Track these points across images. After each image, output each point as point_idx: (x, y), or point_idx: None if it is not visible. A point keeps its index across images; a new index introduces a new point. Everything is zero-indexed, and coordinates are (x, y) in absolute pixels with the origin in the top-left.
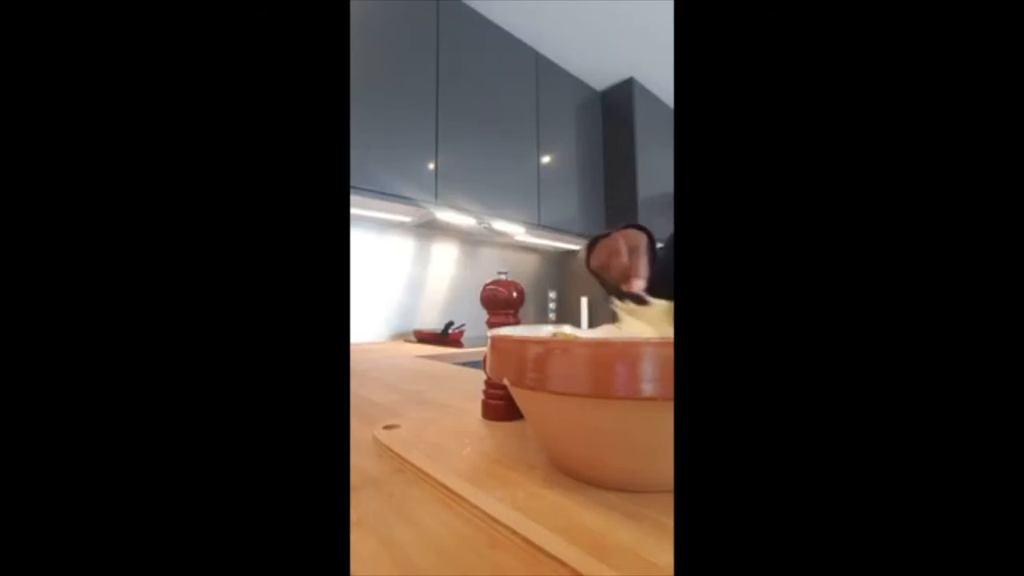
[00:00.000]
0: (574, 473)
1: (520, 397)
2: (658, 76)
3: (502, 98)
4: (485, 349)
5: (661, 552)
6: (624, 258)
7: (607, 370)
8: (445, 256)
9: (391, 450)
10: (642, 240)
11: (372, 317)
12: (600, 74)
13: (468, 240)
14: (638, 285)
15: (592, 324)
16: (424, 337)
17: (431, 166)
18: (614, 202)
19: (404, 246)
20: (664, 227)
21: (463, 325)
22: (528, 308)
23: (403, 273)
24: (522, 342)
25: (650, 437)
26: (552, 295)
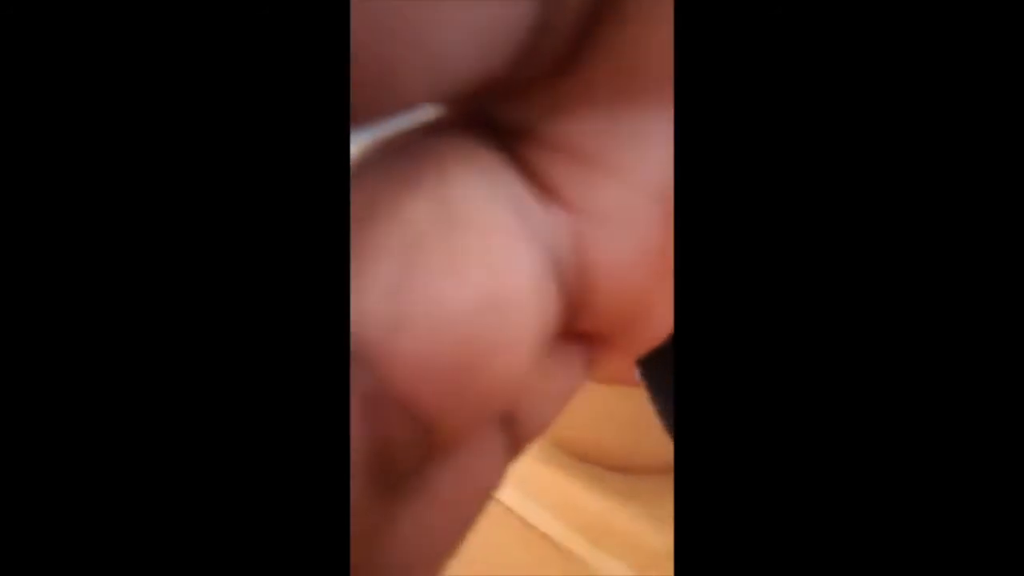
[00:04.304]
0: (573, 450)
1: None
2: None
3: None
4: None
5: (661, 535)
6: None
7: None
8: None
9: None
10: None
11: None
12: None
13: None
14: None
15: None
16: None
17: None
18: None
19: None
20: None
21: None
22: None
23: None
24: None
25: (649, 418)
26: None
